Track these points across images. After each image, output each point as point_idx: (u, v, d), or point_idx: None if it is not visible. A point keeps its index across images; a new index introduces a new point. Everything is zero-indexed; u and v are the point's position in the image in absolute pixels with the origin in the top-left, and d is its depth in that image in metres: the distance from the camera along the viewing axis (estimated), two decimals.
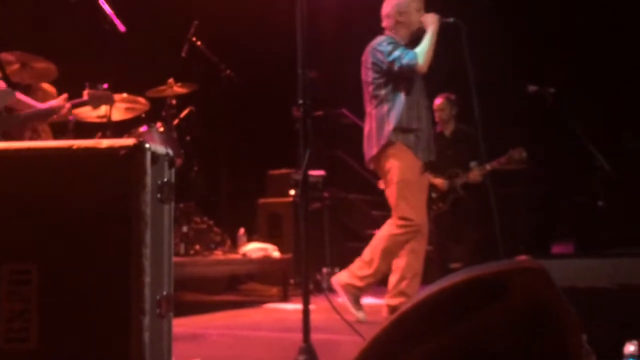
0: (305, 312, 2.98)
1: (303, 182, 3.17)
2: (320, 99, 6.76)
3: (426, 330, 1.45)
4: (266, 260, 5.93)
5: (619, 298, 2.52)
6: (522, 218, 7.14)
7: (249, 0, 6.83)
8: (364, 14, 5.34)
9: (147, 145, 2.11)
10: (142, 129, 5.09)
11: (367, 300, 4.87)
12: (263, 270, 6.42)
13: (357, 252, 4.72)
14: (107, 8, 4.16)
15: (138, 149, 2.09)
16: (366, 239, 4.82)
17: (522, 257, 1.48)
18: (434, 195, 6.12)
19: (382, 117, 4.56)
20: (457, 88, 5.98)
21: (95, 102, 3.80)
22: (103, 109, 4.99)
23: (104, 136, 5.05)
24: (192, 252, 5.46)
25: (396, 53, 4.49)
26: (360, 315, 4.45)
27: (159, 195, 2.17)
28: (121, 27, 4.16)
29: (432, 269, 5.65)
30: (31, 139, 4.55)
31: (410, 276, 4.52)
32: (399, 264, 4.55)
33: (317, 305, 4.56)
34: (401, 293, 4.50)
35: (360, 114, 4.90)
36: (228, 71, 5.96)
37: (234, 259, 5.81)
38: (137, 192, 2.07)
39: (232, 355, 3.64)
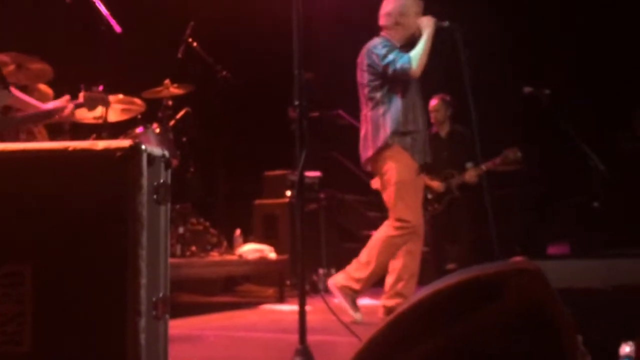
0: (302, 313, 2.99)
1: (299, 183, 3.18)
2: (316, 100, 6.75)
3: (422, 331, 1.45)
4: (262, 261, 5.92)
5: (615, 299, 2.52)
6: (517, 219, 7.15)
7: (245, 1, 6.83)
8: (360, 15, 5.34)
9: (143, 147, 2.11)
10: (138, 130, 5.09)
11: (363, 301, 4.87)
12: (259, 271, 6.42)
13: (353, 253, 4.72)
14: (103, 9, 4.16)
15: (134, 151, 2.09)
16: (362, 240, 4.82)
17: (518, 258, 1.49)
18: (429, 196, 6.13)
19: (378, 119, 4.56)
20: (453, 89, 5.99)
21: (90, 104, 3.78)
22: (99, 110, 4.98)
23: (99, 137, 5.04)
24: (188, 253, 5.46)
25: (390, 57, 4.48)
26: (357, 316, 4.45)
27: (155, 197, 2.17)
28: (117, 28, 4.16)
29: (428, 269, 5.66)
30: (26, 140, 4.53)
31: (406, 277, 4.53)
32: (396, 265, 4.55)
33: (314, 306, 4.56)
34: (398, 294, 4.50)
35: (357, 115, 4.91)
36: (224, 72, 5.96)
37: (230, 260, 5.81)
38: (133, 193, 2.07)
39: (229, 356, 3.64)
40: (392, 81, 4.53)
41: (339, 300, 4.52)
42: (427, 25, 4.53)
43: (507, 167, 6.18)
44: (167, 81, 5.61)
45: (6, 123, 3.51)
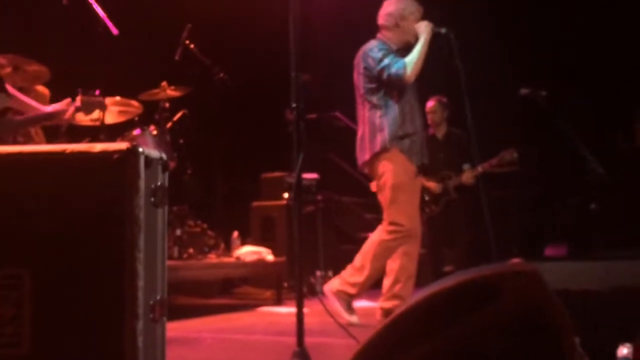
0: (299, 316, 2.98)
1: (296, 185, 3.18)
2: (313, 102, 6.76)
3: (420, 333, 1.45)
4: (260, 263, 5.92)
5: (612, 301, 2.52)
6: (515, 220, 7.16)
7: (242, 3, 6.83)
8: (357, 17, 5.35)
9: (140, 149, 2.11)
10: (135, 132, 5.08)
11: (361, 303, 4.87)
12: (257, 273, 6.41)
13: (351, 255, 4.71)
14: (99, 11, 4.15)
15: (131, 153, 2.09)
16: (359, 242, 4.82)
17: (515, 260, 1.49)
18: (426, 197, 6.14)
19: (375, 122, 4.54)
20: (450, 90, 5.99)
21: (87, 109, 3.78)
22: (96, 113, 4.98)
23: (96, 140, 5.03)
24: (185, 255, 5.45)
25: (386, 61, 4.47)
26: (352, 319, 4.44)
27: (152, 199, 2.17)
28: (114, 30, 4.16)
29: (425, 271, 5.66)
30: (24, 142, 4.53)
31: (404, 279, 4.52)
32: (393, 266, 4.54)
33: (311, 308, 4.55)
34: (395, 296, 4.49)
35: (354, 116, 4.90)
36: (221, 74, 5.95)
37: (228, 263, 5.81)
38: (131, 196, 2.07)
39: (226, 358, 3.64)
40: (388, 85, 4.53)
41: (335, 305, 4.49)
42: (424, 30, 4.51)
43: (503, 169, 6.19)
44: (164, 83, 5.61)
45: (5, 125, 3.49)
